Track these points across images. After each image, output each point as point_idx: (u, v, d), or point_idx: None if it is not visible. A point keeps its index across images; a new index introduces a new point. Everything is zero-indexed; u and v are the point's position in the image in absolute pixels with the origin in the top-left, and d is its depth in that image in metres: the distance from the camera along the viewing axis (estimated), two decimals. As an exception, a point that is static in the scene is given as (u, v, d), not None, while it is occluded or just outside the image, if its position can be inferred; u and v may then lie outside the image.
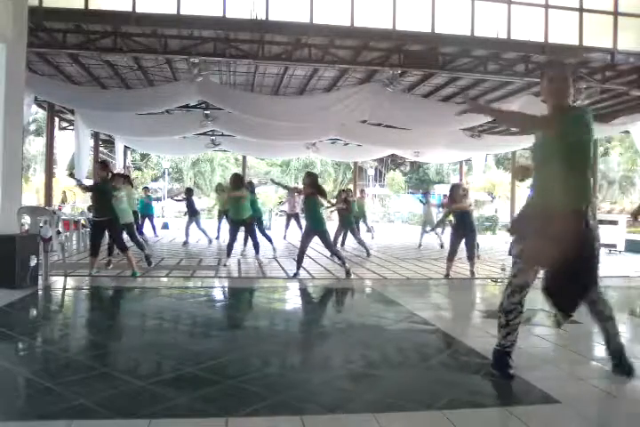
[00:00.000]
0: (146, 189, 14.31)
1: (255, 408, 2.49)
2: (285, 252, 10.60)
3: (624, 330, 4.70)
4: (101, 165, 7.33)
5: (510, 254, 3.20)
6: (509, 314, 2.95)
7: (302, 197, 7.72)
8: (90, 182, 18.90)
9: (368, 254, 10.10)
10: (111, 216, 6.86)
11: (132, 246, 8.02)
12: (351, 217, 10.78)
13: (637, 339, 4.37)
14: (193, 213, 12.31)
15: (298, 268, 7.21)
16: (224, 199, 10.77)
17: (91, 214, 8.24)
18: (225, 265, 8.06)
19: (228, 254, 8.32)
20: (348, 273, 7.14)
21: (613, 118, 11.96)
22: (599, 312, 2.96)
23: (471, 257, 7.35)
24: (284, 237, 13.79)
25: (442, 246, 12.14)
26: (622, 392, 2.88)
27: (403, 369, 3.25)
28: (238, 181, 8.60)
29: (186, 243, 11.70)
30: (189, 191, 12.90)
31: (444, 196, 16.40)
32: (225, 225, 12.29)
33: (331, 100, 9.87)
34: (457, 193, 7.40)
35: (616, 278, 7.46)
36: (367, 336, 4.11)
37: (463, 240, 7.30)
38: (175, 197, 13.31)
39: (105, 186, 6.97)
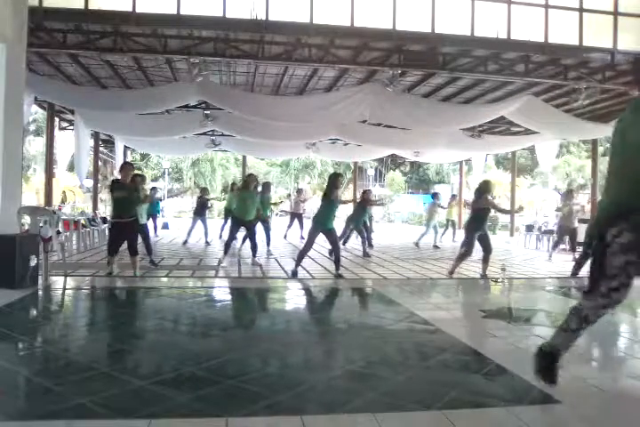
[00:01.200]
0: (154, 189, 14.36)
1: (255, 408, 2.49)
2: (285, 251, 10.61)
3: (625, 330, 4.71)
4: (131, 167, 7.32)
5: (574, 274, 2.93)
6: (587, 324, 2.65)
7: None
8: (90, 182, 18.91)
9: (365, 255, 10.09)
10: (135, 217, 6.93)
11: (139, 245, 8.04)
12: (364, 218, 10.87)
13: (637, 338, 4.37)
14: (201, 212, 12.37)
15: (297, 265, 7.21)
16: (234, 198, 10.85)
17: (108, 215, 8.12)
18: (222, 263, 8.05)
19: (226, 252, 8.30)
20: (338, 276, 7.16)
21: (613, 118, 11.96)
22: None
23: (488, 258, 7.39)
24: (285, 237, 13.82)
25: (436, 247, 12.20)
26: (622, 392, 2.88)
27: (403, 369, 3.25)
28: (255, 181, 8.59)
29: (185, 242, 11.76)
30: (205, 191, 13.10)
31: (453, 196, 16.48)
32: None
33: (331, 100, 9.87)
34: (489, 190, 7.39)
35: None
36: (367, 336, 4.11)
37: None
38: (199, 197, 13.23)
39: (133, 187, 6.96)
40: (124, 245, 6.96)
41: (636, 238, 2.49)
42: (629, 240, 2.50)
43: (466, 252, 7.28)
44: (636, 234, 2.49)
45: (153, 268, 7.61)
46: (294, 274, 7.12)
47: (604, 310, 2.60)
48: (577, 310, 2.66)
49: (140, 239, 7.86)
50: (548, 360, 2.73)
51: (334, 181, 7.32)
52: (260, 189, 9.56)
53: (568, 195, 10.78)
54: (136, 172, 7.94)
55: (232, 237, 8.48)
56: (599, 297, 2.58)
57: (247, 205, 8.32)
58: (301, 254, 7.32)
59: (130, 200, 6.87)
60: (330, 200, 7.20)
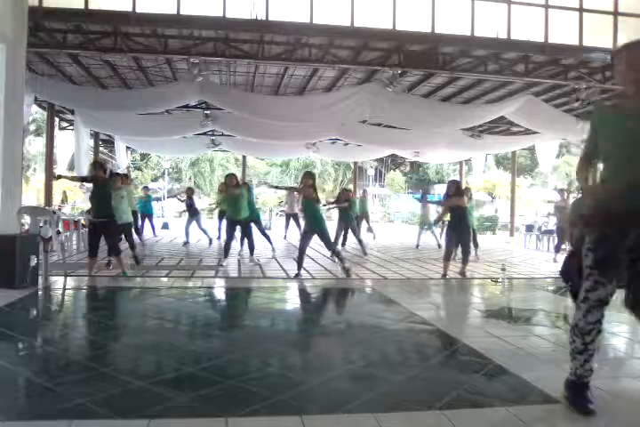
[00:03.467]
0: (145, 188, 14.29)
1: (255, 408, 2.49)
2: (285, 252, 10.61)
3: (624, 330, 4.70)
4: (99, 165, 7.24)
5: (563, 274, 2.87)
6: (587, 336, 2.48)
7: (300, 197, 7.65)
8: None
9: (365, 253, 10.08)
10: (110, 217, 6.80)
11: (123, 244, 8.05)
12: (351, 214, 10.81)
13: (638, 339, 4.37)
14: (193, 212, 12.31)
15: (299, 268, 7.19)
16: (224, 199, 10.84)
17: (89, 215, 8.16)
18: (222, 265, 8.05)
19: (226, 255, 8.31)
20: (347, 273, 7.13)
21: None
22: None
23: (465, 258, 7.38)
24: (285, 237, 13.81)
25: (439, 246, 12.17)
26: (622, 392, 2.88)
27: (403, 369, 3.25)
28: (234, 180, 8.62)
29: (186, 243, 11.69)
30: (190, 191, 12.94)
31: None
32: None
33: (331, 100, 9.87)
34: (452, 189, 7.46)
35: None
36: (367, 336, 4.11)
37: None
38: (179, 197, 13.30)
39: (105, 186, 6.89)
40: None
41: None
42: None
43: (446, 251, 7.44)
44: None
45: (138, 267, 7.57)
46: (297, 276, 7.13)
47: (590, 315, 2.46)
48: (572, 327, 2.56)
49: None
50: (579, 391, 2.56)
51: (304, 179, 7.26)
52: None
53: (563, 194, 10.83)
54: (118, 171, 7.91)
55: (230, 238, 8.48)
56: (580, 302, 2.51)
57: (236, 205, 8.35)
58: (300, 256, 7.31)
59: (98, 199, 6.82)
60: (307, 200, 7.18)
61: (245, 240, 9.05)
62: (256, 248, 8.89)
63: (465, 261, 7.38)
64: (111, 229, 6.86)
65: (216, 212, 13.28)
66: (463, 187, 9.23)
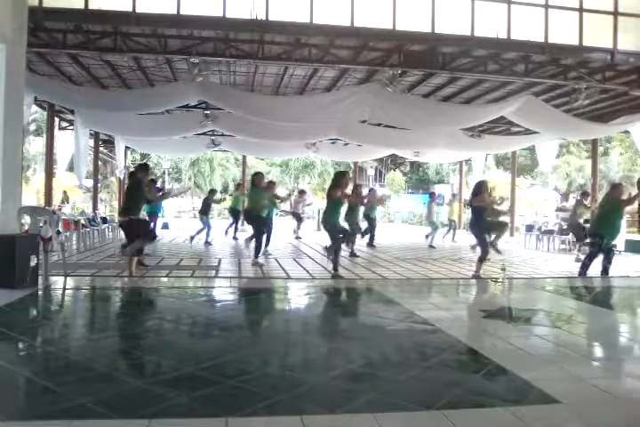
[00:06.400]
0: (157, 189, 14.41)
1: (255, 408, 2.49)
2: (285, 252, 10.61)
3: (624, 330, 4.70)
4: (148, 168, 7.76)
5: None
6: None
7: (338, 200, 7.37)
8: (90, 182, 18.94)
9: (352, 255, 9.84)
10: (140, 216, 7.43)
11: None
12: (356, 215, 10.82)
13: (638, 339, 4.37)
14: (206, 212, 12.57)
15: (336, 263, 7.30)
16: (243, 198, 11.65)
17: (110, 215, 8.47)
18: (258, 263, 8.14)
19: (258, 252, 8.48)
20: (333, 276, 7.16)
21: (613, 118, 11.96)
22: None
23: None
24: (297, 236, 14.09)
25: (431, 247, 12.20)
26: (622, 392, 2.88)
27: (403, 369, 3.25)
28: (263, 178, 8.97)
29: (190, 241, 11.99)
30: (213, 192, 13.53)
31: (453, 195, 16.70)
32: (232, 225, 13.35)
33: (331, 100, 9.86)
34: (485, 189, 7.40)
35: (616, 278, 7.47)
36: (367, 336, 4.11)
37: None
38: (214, 199, 13.64)
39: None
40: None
41: None
42: None
43: (484, 251, 7.27)
44: None
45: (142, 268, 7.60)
46: (336, 271, 7.23)
47: None
48: None
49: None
50: None
51: (338, 180, 7.27)
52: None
53: (584, 196, 10.98)
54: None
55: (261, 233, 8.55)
56: None
57: (262, 203, 8.48)
58: (336, 252, 7.34)
59: (141, 199, 7.34)
60: (333, 201, 7.16)
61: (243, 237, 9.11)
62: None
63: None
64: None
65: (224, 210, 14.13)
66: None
